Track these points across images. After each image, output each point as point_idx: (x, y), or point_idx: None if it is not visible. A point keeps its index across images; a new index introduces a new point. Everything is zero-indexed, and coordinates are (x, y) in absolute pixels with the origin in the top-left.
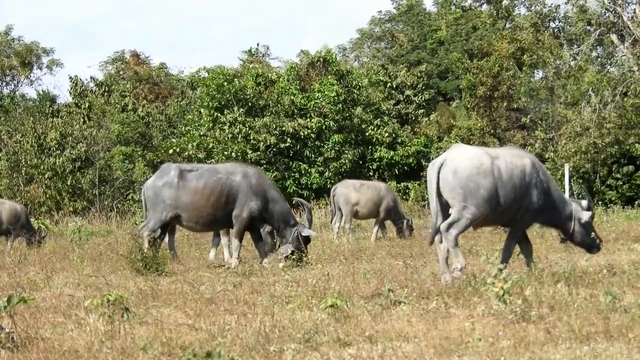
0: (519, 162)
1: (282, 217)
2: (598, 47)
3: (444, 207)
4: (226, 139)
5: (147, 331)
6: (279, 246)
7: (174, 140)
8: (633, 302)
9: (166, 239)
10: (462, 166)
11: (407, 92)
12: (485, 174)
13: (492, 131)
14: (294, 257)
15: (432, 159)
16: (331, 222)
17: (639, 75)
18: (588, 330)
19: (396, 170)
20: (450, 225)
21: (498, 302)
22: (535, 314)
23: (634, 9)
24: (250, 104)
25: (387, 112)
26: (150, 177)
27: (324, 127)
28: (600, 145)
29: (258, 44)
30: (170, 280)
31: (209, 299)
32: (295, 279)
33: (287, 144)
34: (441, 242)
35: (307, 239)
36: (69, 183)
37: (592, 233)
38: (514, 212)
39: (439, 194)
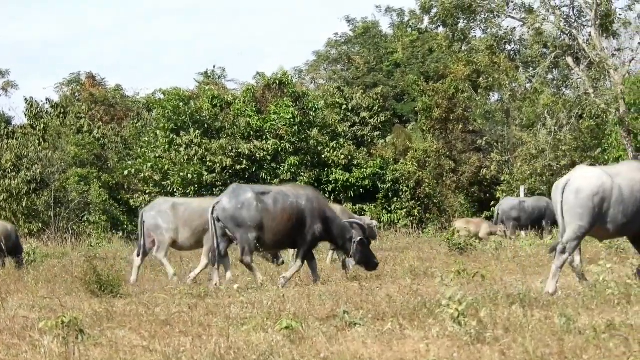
0: (639, 177)
1: (341, 234)
2: (554, 69)
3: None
4: (182, 160)
5: (101, 353)
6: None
7: (129, 162)
8: (587, 324)
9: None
10: (583, 186)
11: (363, 114)
12: (604, 193)
13: (448, 153)
14: (369, 265)
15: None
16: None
17: (594, 98)
18: (543, 351)
19: (352, 193)
20: (564, 248)
21: (453, 324)
22: (490, 336)
23: (590, 32)
24: (206, 126)
25: (343, 134)
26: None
27: (280, 149)
28: (555, 168)
29: (214, 66)
30: (125, 302)
31: (164, 320)
32: (250, 300)
33: (243, 166)
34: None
35: (367, 241)
36: (24, 205)
37: None
38: (639, 224)
39: (563, 214)
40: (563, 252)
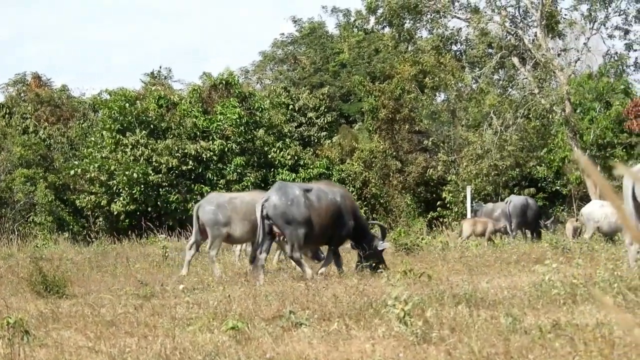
0: None
1: (365, 233)
2: (500, 70)
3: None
4: (128, 161)
5: (47, 354)
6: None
7: (75, 162)
8: (533, 324)
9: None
10: None
11: (310, 115)
12: None
13: (394, 154)
14: (377, 269)
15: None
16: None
17: (540, 98)
18: (488, 351)
19: None
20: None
21: (399, 324)
22: (436, 336)
23: (535, 32)
24: (152, 126)
25: (289, 134)
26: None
27: (226, 149)
28: (501, 167)
29: (160, 67)
30: (71, 303)
31: (109, 321)
32: (196, 301)
33: (190, 167)
34: (631, 243)
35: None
36: None
37: None
38: None
39: (635, 198)
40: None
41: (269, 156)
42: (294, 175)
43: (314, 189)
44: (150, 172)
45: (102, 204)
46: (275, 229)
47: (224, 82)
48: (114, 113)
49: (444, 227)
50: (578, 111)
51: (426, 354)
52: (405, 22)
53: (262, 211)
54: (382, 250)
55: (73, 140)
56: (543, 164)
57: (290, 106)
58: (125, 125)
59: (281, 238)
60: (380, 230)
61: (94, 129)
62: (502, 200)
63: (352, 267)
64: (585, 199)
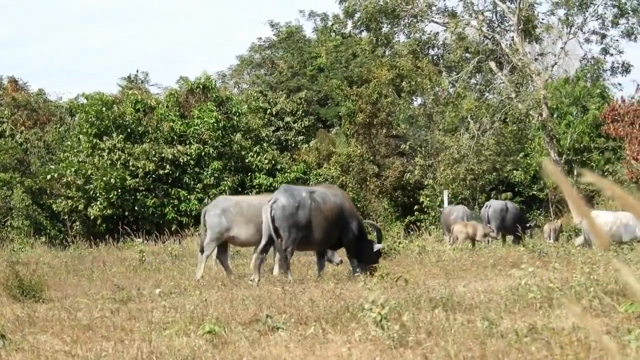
0: None
1: (364, 235)
2: (477, 74)
3: None
4: (105, 165)
5: (23, 358)
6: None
7: (52, 166)
8: (509, 328)
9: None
10: None
11: (287, 119)
12: None
13: (371, 158)
14: (355, 272)
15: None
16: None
17: (517, 102)
18: (465, 355)
19: None
20: None
21: (376, 328)
22: (412, 340)
23: (512, 37)
24: (129, 131)
25: (266, 138)
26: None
27: (203, 153)
28: (477, 172)
29: (137, 71)
30: (48, 307)
31: (86, 325)
32: (173, 305)
33: (167, 171)
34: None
35: (379, 254)
36: None
37: None
38: None
39: None
40: None
41: (246, 160)
42: (271, 179)
43: (318, 192)
44: (127, 176)
45: (79, 208)
46: (279, 231)
47: (201, 86)
48: (91, 117)
49: (421, 231)
50: (555, 116)
51: (403, 357)
52: (383, 27)
53: (270, 212)
54: (379, 254)
55: (50, 145)
56: (520, 169)
57: (268, 110)
58: (102, 129)
59: (279, 240)
60: (376, 231)
61: (71, 133)
62: (479, 204)
63: (328, 271)
64: (561, 203)
